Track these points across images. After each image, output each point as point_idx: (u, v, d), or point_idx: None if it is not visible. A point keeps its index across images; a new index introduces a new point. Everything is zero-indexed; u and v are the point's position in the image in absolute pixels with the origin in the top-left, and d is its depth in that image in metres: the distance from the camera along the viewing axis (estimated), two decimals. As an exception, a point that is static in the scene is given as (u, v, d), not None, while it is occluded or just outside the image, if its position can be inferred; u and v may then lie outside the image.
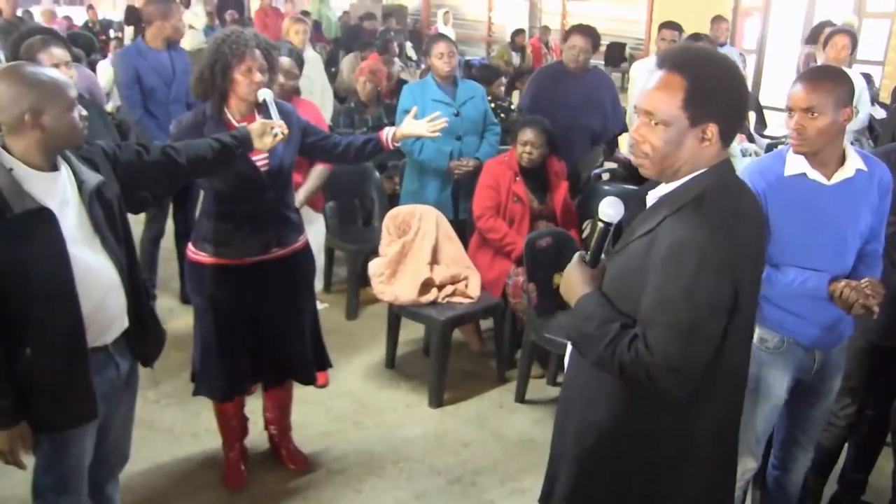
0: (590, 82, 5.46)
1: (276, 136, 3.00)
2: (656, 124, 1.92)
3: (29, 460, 2.55)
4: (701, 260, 1.79)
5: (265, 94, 3.15)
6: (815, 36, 8.30)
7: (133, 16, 11.13)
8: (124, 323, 2.60)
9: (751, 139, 7.15)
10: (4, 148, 2.34)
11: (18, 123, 2.29)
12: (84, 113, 2.44)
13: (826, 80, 2.57)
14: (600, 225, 2.07)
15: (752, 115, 8.74)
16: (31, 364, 2.37)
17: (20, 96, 2.28)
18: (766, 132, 8.28)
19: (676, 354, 1.82)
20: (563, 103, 5.20)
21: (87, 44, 10.55)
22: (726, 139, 1.92)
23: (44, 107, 2.30)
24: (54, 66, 3.35)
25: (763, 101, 9.74)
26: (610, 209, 2.05)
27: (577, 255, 2.13)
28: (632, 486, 2.07)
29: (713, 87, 1.88)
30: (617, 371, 1.90)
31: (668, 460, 2.03)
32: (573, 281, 2.08)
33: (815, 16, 12.07)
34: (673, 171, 1.96)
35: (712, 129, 1.88)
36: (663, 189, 1.97)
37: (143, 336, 2.71)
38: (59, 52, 3.75)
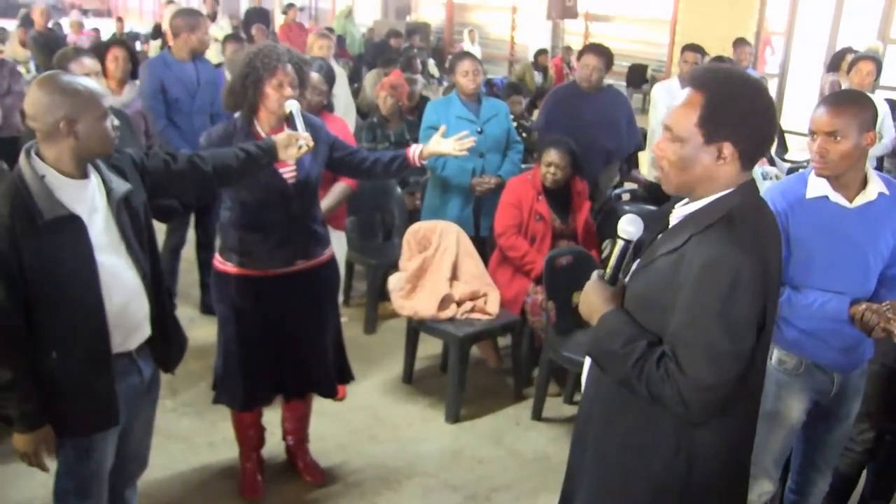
0: (604, 101, 5.49)
1: (301, 147, 3.02)
2: (674, 140, 1.94)
3: (51, 464, 2.58)
4: (735, 279, 1.79)
5: (292, 106, 3.19)
6: (836, 63, 8.32)
7: (159, 30, 11.26)
8: (147, 330, 2.63)
9: (772, 163, 7.16)
10: (38, 155, 2.38)
11: (53, 131, 2.33)
12: (116, 123, 2.49)
13: (849, 104, 2.58)
14: (620, 242, 2.08)
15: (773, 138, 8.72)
16: (56, 368, 2.42)
17: (56, 105, 2.32)
18: (788, 156, 8.27)
19: (709, 374, 1.83)
20: (576, 122, 5.21)
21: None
22: (747, 160, 1.91)
23: (78, 115, 2.34)
24: (85, 76, 3.41)
25: (784, 125, 9.70)
26: (630, 227, 2.07)
27: (595, 274, 2.13)
28: (665, 492, 2.05)
29: (730, 106, 1.88)
30: (644, 389, 1.90)
31: (686, 478, 2.01)
32: (593, 299, 2.08)
33: (839, 40, 12.06)
34: (689, 188, 1.97)
35: (728, 149, 1.88)
36: (689, 208, 1.98)
37: (166, 343, 2.74)
38: (89, 63, 3.81)
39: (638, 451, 2.05)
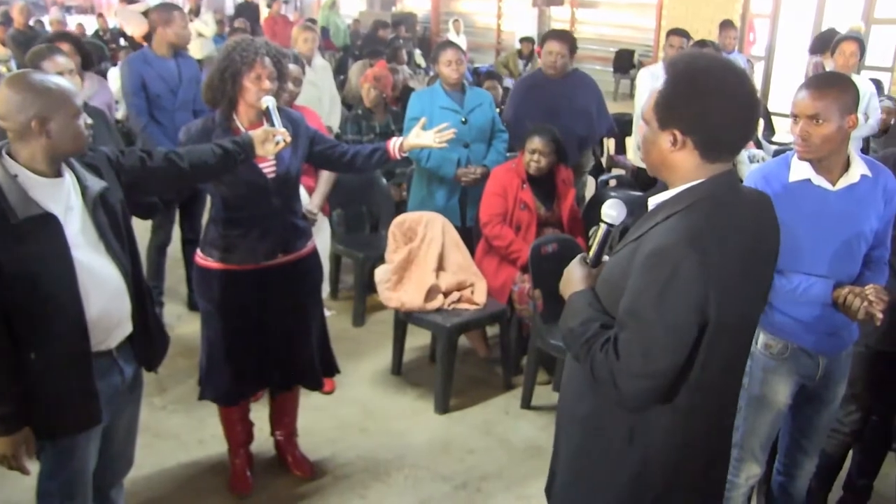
0: (571, 87, 5.45)
1: (278, 143, 3.01)
2: (643, 121, 1.96)
3: (33, 466, 2.56)
4: (674, 271, 1.78)
5: (268, 102, 3.17)
6: (820, 45, 8.32)
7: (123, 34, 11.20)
8: (128, 328, 2.61)
9: (758, 145, 7.16)
10: (10, 154, 2.36)
11: (25, 130, 2.31)
12: (89, 121, 2.46)
13: (831, 87, 2.56)
14: (602, 226, 2.10)
15: (760, 122, 8.73)
16: (35, 369, 2.39)
17: (27, 103, 2.30)
18: (775, 138, 8.28)
19: (640, 362, 1.83)
20: (543, 110, 5.17)
21: (96, 52, 10.60)
22: (707, 151, 1.87)
23: (50, 114, 2.32)
24: (58, 74, 3.38)
25: (771, 107, 9.72)
26: (612, 210, 2.09)
27: (579, 256, 2.16)
28: (620, 479, 2.05)
29: (683, 94, 1.86)
30: (588, 369, 1.93)
31: (641, 466, 2.01)
32: (570, 279, 2.12)
33: (824, 22, 12.06)
34: (656, 172, 1.99)
35: (678, 135, 1.87)
36: (661, 196, 1.96)
37: (148, 341, 2.72)
38: (62, 61, 3.76)
39: (597, 435, 2.08)
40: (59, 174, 2.41)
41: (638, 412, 1.95)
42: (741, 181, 2.10)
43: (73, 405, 2.47)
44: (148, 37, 5.34)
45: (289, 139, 3.04)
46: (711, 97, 1.84)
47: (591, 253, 2.12)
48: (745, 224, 1.92)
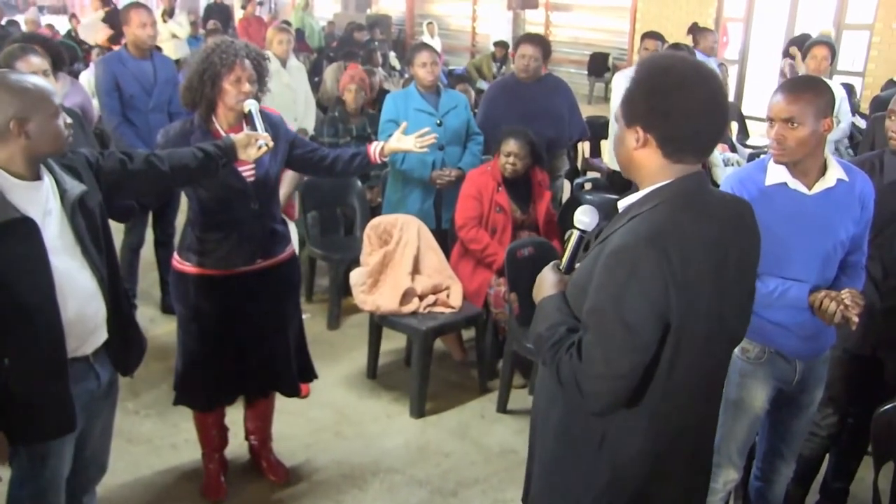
0: (542, 90, 5.46)
1: (260, 147, 2.98)
2: (615, 120, 1.99)
3: (5, 473, 2.52)
4: (632, 270, 1.77)
5: (251, 105, 3.14)
6: (792, 47, 8.40)
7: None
8: (104, 333, 2.58)
9: (733, 149, 7.21)
10: None
11: (3, 131, 2.27)
12: (69, 121, 2.43)
13: (806, 90, 2.58)
14: (575, 233, 2.10)
15: (734, 125, 8.80)
16: (9, 374, 2.35)
17: (5, 104, 2.26)
18: (749, 142, 8.34)
19: (600, 362, 1.82)
20: (516, 113, 5.16)
21: (69, 53, 10.51)
22: (670, 150, 1.87)
23: (29, 114, 2.28)
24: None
25: (745, 110, 9.79)
26: (585, 217, 2.09)
27: (552, 262, 2.14)
28: (593, 487, 2.03)
29: (646, 93, 1.87)
30: (555, 374, 1.92)
31: (612, 473, 1.99)
32: (542, 285, 2.10)
33: (797, 26, 12.18)
34: (625, 170, 2.00)
35: (640, 132, 1.88)
36: (630, 199, 1.96)
37: (124, 346, 2.69)
38: (36, 61, 3.72)
39: (568, 441, 2.06)
40: (37, 177, 2.37)
41: (605, 416, 1.93)
42: (717, 185, 2.10)
43: (47, 411, 2.43)
44: (114, 38, 5.32)
45: (271, 144, 3.02)
46: (672, 95, 1.84)
47: (564, 259, 2.11)
48: (713, 227, 1.90)
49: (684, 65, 1.90)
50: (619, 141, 1.96)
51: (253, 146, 2.97)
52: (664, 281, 1.77)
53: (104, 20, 11.19)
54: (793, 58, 8.27)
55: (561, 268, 2.10)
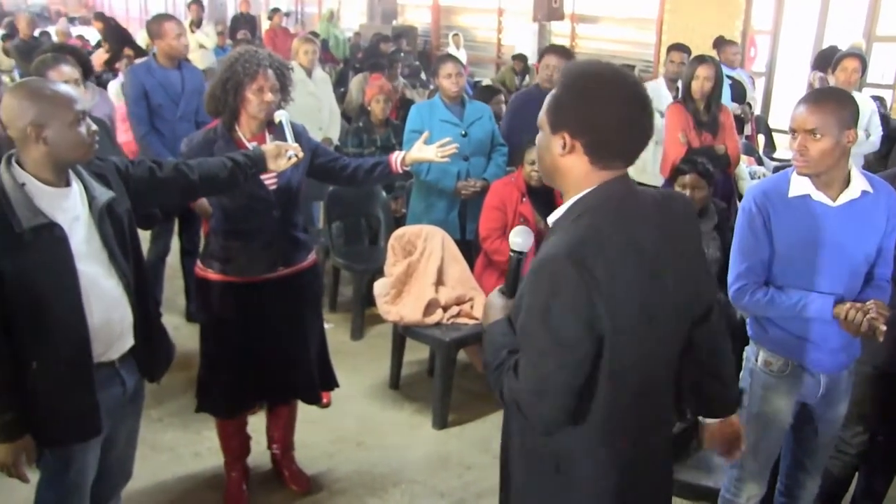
0: None
1: (290, 158, 3.00)
2: (539, 127, 1.95)
3: (33, 475, 2.55)
4: (553, 286, 1.75)
5: (282, 116, 3.18)
6: (822, 61, 8.33)
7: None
8: (130, 339, 2.60)
9: (760, 162, 7.16)
10: (18, 163, 2.36)
11: (23, 137, 2.32)
12: (94, 128, 2.45)
13: (829, 101, 2.56)
14: (512, 255, 2.07)
15: (761, 138, 8.74)
16: (36, 377, 2.39)
17: (23, 110, 2.31)
18: (776, 154, 8.27)
19: (534, 378, 1.80)
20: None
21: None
22: (596, 156, 1.84)
23: (45, 121, 2.31)
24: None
25: (772, 123, 9.72)
26: (518, 238, 2.06)
27: (497, 288, 2.10)
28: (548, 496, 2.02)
29: (572, 98, 1.85)
30: (499, 396, 1.90)
31: (581, 485, 1.97)
32: (488, 311, 2.06)
33: (826, 39, 12.07)
34: (550, 180, 1.97)
35: (567, 138, 1.84)
36: (558, 212, 1.92)
37: (150, 352, 2.72)
38: (67, 70, 3.77)
39: (529, 466, 2.04)
40: (66, 183, 2.41)
41: (552, 435, 1.90)
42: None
43: (72, 415, 2.47)
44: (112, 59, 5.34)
45: (301, 155, 3.04)
46: (598, 100, 1.82)
47: (506, 283, 2.07)
48: (641, 229, 1.86)
49: (609, 71, 1.88)
50: (544, 148, 1.93)
51: (283, 157, 2.99)
52: (587, 293, 1.73)
53: (102, 38, 11.27)
54: (823, 70, 8.21)
55: (504, 292, 2.06)
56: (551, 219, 1.93)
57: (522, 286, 1.89)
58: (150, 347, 2.71)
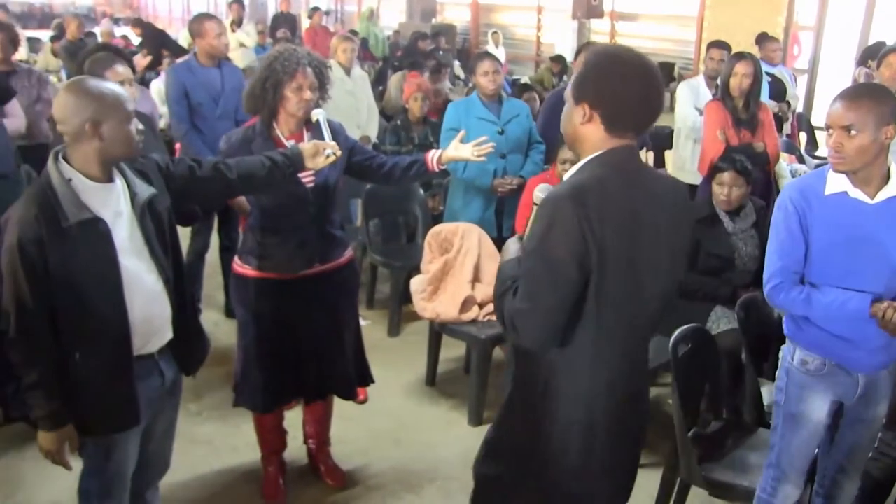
0: None
1: (328, 157, 3.03)
2: (565, 99, 2.20)
3: (75, 463, 2.62)
4: (553, 217, 1.99)
5: (319, 115, 3.20)
6: (868, 57, 8.19)
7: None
8: (169, 333, 2.66)
9: (801, 160, 7.07)
10: (65, 159, 2.43)
11: (79, 133, 2.38)
12: (140, 127, 2.53)
13: (866, 97, 2.53)
14: (535, 208, 2.22)
15: (802, 136, 8.62)
16: (78, 369, 2.46)
17: (82, 107, 2.38)
18: (818, 153, 8.17)
19: (527, 297, 2.03)
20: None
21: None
22: (611, 125, 2.08)
23: (103, 118, 2.39)
24: (119, 83, 3.44)
25: (814, 121, 9.58)
26: (541, 193, 2.26)
27: (516, 236, 2.34)
28: (545, 430, 2.19)
29: (592, 73, 2.11)
30: (500, 318, 2.13)
31: (565, 407, 2.16)
32: (504, 253, 2.30)
33: (871, 34, 11.87)
34: (570, 144, 2.22)
35: (587, 109, 2.08)
36: (570, 171, 2.16)
37: (187, 346, 2.77)
38: (122, 70, 3.84)
39: (518, 383, 2.28)
40: (110, 179, 2.48)
41: (542, 355, 2.12)
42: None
43: (112, 405, 2.53)
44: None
45: (339, 153, 3.06)
46: (615, 77, 2.08)
47: (527, 231, 2.22)
48: (636, 194, 2.09)
49: (629, 54, 2.14)
50: (567, 117, 2.16)
51: (321, 155, 3.01)
52: (581, 230, 1.96)
53: (141, 43, 11.44)
54: (869, 67, 8.07)
55: (521, 239, 2.25)
56: (567, 175, 2.18)
57: (531, 219, 2.15)
58: (188, 342, 2.76)
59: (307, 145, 3.02)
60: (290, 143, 3.21)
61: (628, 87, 2.07)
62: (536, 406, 2.19)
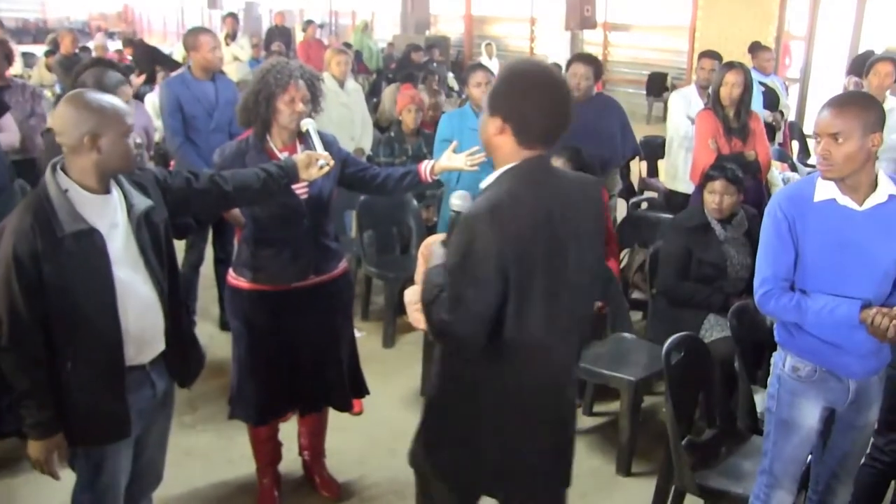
0: (594, 109, 5.39)
1: (321, 167, 3.04)
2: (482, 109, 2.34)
3: (64, 474, 2.63)
4: (473, 233, 2.12)
5: (308, 125, 3.22)
6: (858, 67, 8.25)
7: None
8: (161, 344, 2.68)
9: (793, 168, 7.10)
10: (63, 170, 2.45)
11: (78, 145, 2.41)
12: (139, 141, 2.58)
13: (853, 105, 2.56)
14: (452, 214, 2.40)
15: (795, 144, 8.66)
16: (70, 378, 2.48)
17: (81, 120, 2.41)
18: (810, 161, 8.20)
19: (453, 308, 2.15)
20: (567, 133, 5.12)
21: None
22: (523, 138, 2.21)
23: (102, 131, 2.42)
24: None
25: (807, 130, 9.62)
26: (457, 200, 2.40)
27: (441, 240, 2.42)
28: (473, 426, 2.37)
29: (502, 87, 2.25)
30: (429, 326, 2.27)
31: (488, 408, 2.32)
32: (430, 257, 2.41)
33: (861, 44, 11.94)
34: (489, 153, 2.33)
35: (500, 122, 2.21)
36: (490, 178, 2.27)
37: (182, 358, 2.78)
38: (127, 90, 3.90)
39: (445, 381, 2.43)
40: (107, 191, 2.50)
41: (466, 359, 2.29)
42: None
43: (103, 417, 2.55)
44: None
45: (332, 163, 3.08)
46: (525, 93, 2.21)
47: (446, 237, 2.35)
48: (551, 201, 2.23)
49: (538, 68, 2.29)
50: (483, 126, 2.28)
51: (314, 166, 3.03)
52: (499, 244, 2.10)
53: (133, 59, 11.50)
54: (859, 75, 8.12)
55: (444, 244, 2.35)
56: (483, 183, 2.30)
57: (453, 234, 2.27)
58: (182, 354, 2.78)
59: (300, 156, 3.04)
60: (283, 156, 3.23)
61: (536, 103, 2.20)
62: (465, 400, 2.36)
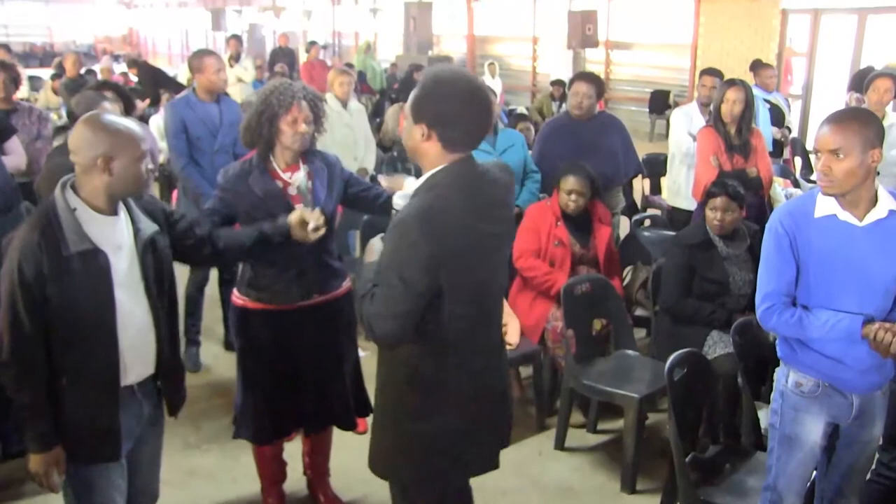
0: (596, 127, 5.45)
1: (316, 230, 3.09)
2: (406, 116, 2.45)
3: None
4: (404, 238, 2.28)
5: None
6: (859, 83, 8.27)
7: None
8: (151, 368, 2.70)
9: (796, 184, 7.11)
10: (73, 188, 2.48)
11: (91, 165, 2.44)
12: (151, 166, 2.59)
13: (852, 121, 2.57)
14: (394, 213, 2.50)
15: (797, 161, 8.68)
16: (65, 394, 2.51)
17: (97, 142, 2.44)
18: (813, 177, 8.20)
19: (383, 305, 2.32)
20: (570, 151, 5.17)
21: (142, 98, 10.87)
22: (447, 143, 2.34)
23: (116, 153, 2.45)
24: None
25: (809, 146, 9.63)
26: (401, 200, 2.60)
27: (380, 235, 2.54)
28: (417, 417, 2.53)
29: (424, 96, 2.36)
30: (360, 318, 2.43)
31: (430, 398, 2.51)
32: (369, 252, 2.57)
33: (862, 60, 11.98)
34: (414, 159, 2.49)
35: (425, 129, 2.34)
36: (419, 181, 2.42)
37: (171, 383, 2.82)
38: (108, 106, 3.89)
39: (388, 367, 2.56)
40: (114, 212, 2.53)
41: (391, 349, 2.48)
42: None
43: (95, 435, 2.57)
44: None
45: (321, 223, 3.11)
46: (447, 100, 2.33)
47: (386, 242, 2.46)
48: (477, 202, 2.38)
49: (458, 76, 2.39)
50: (408, 133, 2.41)
51: (306, 227, 3.08)
52: (430, 246, 2.26)
53: (138, 81, 11.58)
54: (860, 91, 8.15)
55: (384, 240, 2.47)
56: (413, 185, 2.47)
57: (387, 235, 2.40)
58: (171, 378, 2.81)
59: (293, 214, 3.10)
60: (286, 175, 3.28)
61: (458, 109, 2.32)
62: (405, 390, 2.53)
